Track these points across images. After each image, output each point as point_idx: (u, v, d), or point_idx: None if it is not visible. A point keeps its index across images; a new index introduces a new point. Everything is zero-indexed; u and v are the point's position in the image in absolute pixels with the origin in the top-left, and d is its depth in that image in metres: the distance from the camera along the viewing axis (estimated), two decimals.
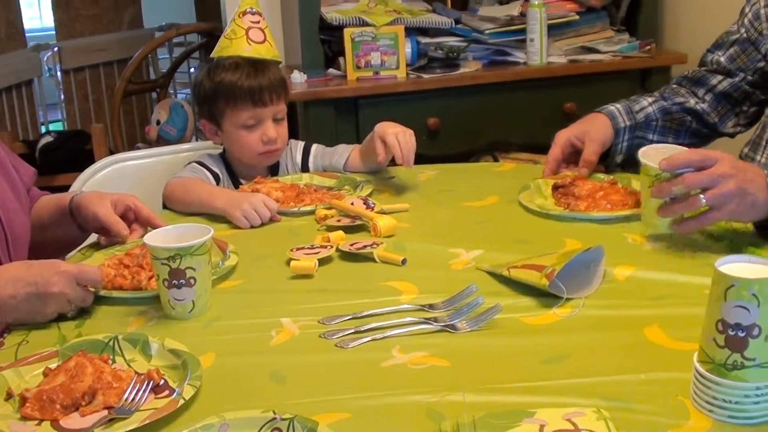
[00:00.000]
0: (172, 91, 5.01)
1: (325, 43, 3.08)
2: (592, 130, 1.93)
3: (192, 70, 5.38)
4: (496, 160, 3.09)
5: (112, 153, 3.78)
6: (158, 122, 3.67)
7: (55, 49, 4.85)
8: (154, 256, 1.34)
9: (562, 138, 1.95)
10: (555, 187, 1.84)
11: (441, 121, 3.02)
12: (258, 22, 2.08)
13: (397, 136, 1.96)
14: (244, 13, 2.10)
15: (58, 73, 6.32)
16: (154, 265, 1.36)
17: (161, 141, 3.66)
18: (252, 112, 2.03)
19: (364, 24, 3.02)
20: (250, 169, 2.11)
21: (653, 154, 1.54)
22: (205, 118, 2.10)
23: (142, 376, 1.16)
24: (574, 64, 3.14)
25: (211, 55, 2.12)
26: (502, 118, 3.10)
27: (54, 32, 5.12)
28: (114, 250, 1.65)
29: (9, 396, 1.18)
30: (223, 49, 2.08)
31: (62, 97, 5.12)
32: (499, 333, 1.27)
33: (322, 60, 3.04)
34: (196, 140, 3.90)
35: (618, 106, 1.98)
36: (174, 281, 1.34)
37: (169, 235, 1.38)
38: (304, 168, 2.16)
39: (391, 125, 1.99)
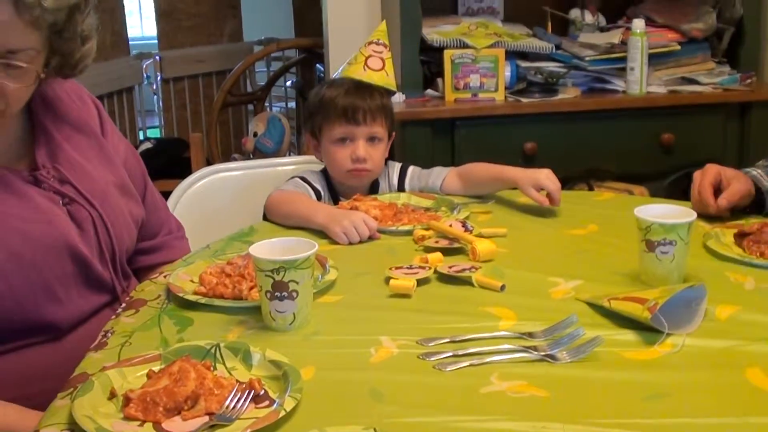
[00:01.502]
0: (267, 105, 5.08)
1: (425, 64, 3.10)
2: (740, 176, 1.88)
3: (288, 83, 5.45)
4: (591, 187, 3.07)
5: (208, 162, 3.86)
6: (255, 134, 3.72)
7: (157, 58, 4.96)
8: (258, 267, 1.36)
9: (713, 171, 1.88)
10: (741, 235, 1.77)
11: (538, 146, 3.01)
12: (381, 52, 2.18)
13: (549, 178, 1.97)
14: (371, 42, 2.22)
15: (158, 82, 6.48)
16: (257, 276, 1.37)
17: (257, 153, 3.71)
18: (345, 129, 2.10)
19: (465, 46, 3.03)
20: (347, 187, 2.13)
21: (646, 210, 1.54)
22: (309, 133, 2.17)
23: (244, 385, 1.18)
24: (673, 95, 3.11)
25: (332, 76, 2.19)
26: (599, 146, 3.08)
27: (156, 41, 5.23)
28: (216, 259, 1.68)
29: (112, 395, 1.20)
30: (343, 71, 2.20)
31: (161, 104, 5.24)
32: (599, 366, 1.25)
33: (422, 81, 3.06)
34: (289, 154, 3.95)
35: (758, 170, 1.93)
36: (276, 293, 1.35)
37: (273, 248, 1.40)
38: (401, 189, 2.18)
39: (533, 171, 1.99)
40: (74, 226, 1.63)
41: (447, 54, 2.97)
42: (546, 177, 1.97)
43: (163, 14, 4.96)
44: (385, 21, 2.31)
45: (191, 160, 3.64)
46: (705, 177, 1.87)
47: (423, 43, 3.04)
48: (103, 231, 1.67)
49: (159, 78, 5.18)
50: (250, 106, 5.08)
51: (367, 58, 2.20)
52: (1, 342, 1.53)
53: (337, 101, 2.11)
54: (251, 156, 3.83)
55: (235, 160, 4.08)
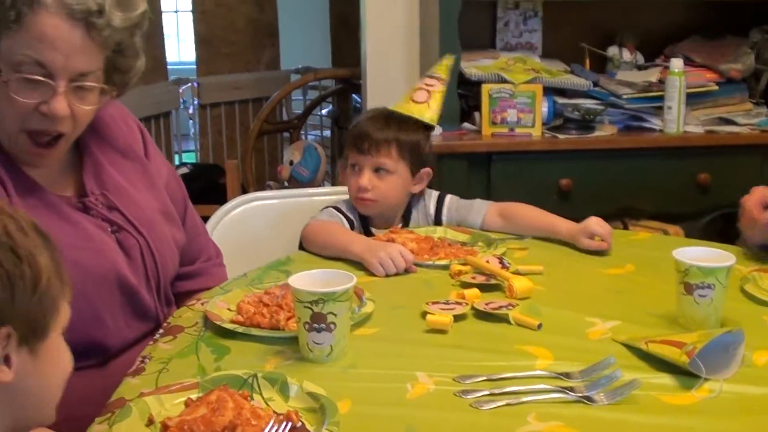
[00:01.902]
0: (302, 133, 5.11)
1: (462, 97, 3.11)
2: None
3: (323, 112, 5.48)
4: (625, 226, 3.05)
5: (243, 188, 3.88)
6: (291, 162, 3.75)
7: (195, 84, 5.01)
8: (297, 298, 1.37)
9: (760, 190, 1.88)
10: None
11: (573, 183, 3.00)
12: (432, 85, 2.17)
13: (600, 224, 1.97)
14: (428, 75, 2.21)
15: (192, 107, 6.52)
16: (296, 307, 1.38)
17: (293, 181, 3.73)
18: (354, 157, 2.12)
19: (503, 81, 3.04)
20: (379, 217, 2.13)
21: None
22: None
23: (281, 417, 1.18)
24: (710, 135, 3.10)
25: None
26: (634, 185, 3.07)
27: (193, 67, 5.28)
28: (253, 288, 1.69)
29: (150, 422, 1.21)
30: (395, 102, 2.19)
31: (196, 130, 5.27)
32: (636, 409, 1.25)
33: (459, 114, 3.07)
34: (324, 184, 3.97)
35: None
36: (315, 325, 1.36)
37: (312, 279, 1.40)
38: (437, 218, 2.17)
39: (582, 223, 1.99)
40: (122, 254, 1.64)
41: (485, 88, 2.98)
42: (596, 224, 1.97)
43: (202, 41, 5.01)
44: (449, 56, 2.29)
45: (227, 186, 3.66)
46: (752, 195, 1.88)
47: (461, 76, 3.05)
48: (149, 259, 1.68)
49: (195, 103, 5.22)
50: (286, 134, 5.11)
51: (416, 90, 2.18)
52: None
53: (354, 129, 2.14)
54: (286, 184, 3.85)
55: (270, 187, 4.10)
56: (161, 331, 1.59)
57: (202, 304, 1.66)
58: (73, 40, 1.48)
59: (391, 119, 2.12)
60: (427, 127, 2.16)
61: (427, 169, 2.15)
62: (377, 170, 2.10)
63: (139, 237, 1.67)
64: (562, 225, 2.04)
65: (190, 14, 5.55)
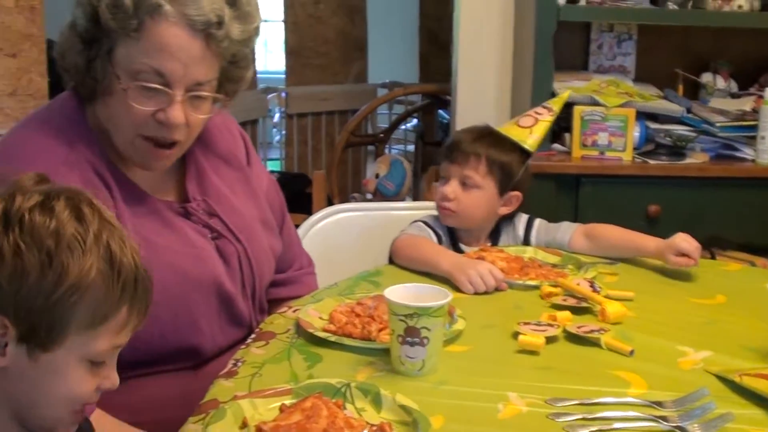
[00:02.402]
0: (386, 147, 5.13)
1: None
2: None
3: (404, 127, 5.49)
4: (712, 256, 3.00)
5: (328, 199, 3.91)
6: (377, 176, 3.76)
7: (283, 94, 5.07)
8: (392, 311, 1.37)
9: None
10: None
11: (661, 209, 2.97)
12: (540, 114, 2.17)
13: (687, 241, 1.97)
14: (543, 105, 2.22)
15: (276, 116, 6.60)
16: (390, 319, 1.39)
17: (378, 194, 3.75)
18: (444, 166, 2.12)
19: (595, 103, 3.02)
20: (467, 233, 2.13)
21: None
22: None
23: (375, 427, 1.19)
24: None
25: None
26: (724, 214, 3.02)
27: (281, 76, 5.35)
28: (345, 298, 1.70)
29: (244, 425, 1.23)
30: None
31: (281, 139, 5.34)
32: None
33: (549, 135, 3.05)
34: (408, 198, 3.98)
35: None
36: (408, 338, 1.36)
37: (407, 293, 1.41)
38: (526, 241, 2.16)
39: (669, 239, 1.98)
40: (221, 261, 1.66)
41: (577, 110, 2.96)
42: (683, 240, 1.96)
43: (292, 51, 5.07)
44: (569, 91, 2.32)
45: (313, 196, 3.69)
46: None
47: (552, 96, 3.03)
48: (247, 267, 1.70)
49: (281, 112, 5.28)
50: (370, 147, 5.14)
51: (524, 116, 2.18)
52: (142, 366, 1.57)
53: (449, 140, 2.15)
54: (371, 197, 3.87)
55: (355, 199, 4.12)
56: (253, 336, 1.60)
57: (294, 311, 1.68)
58: (192, 51, 1.50)
59: (488, 135, 2.12)
60: (524, 153, 2.13)
61: (517, 193, 2.13)
62: (464, 182, 2.09)
63: (238, 244, 1.69)
64: (649, 242, 2.02)
65: (280, 24, 5.62)
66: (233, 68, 1.63)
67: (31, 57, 3.70)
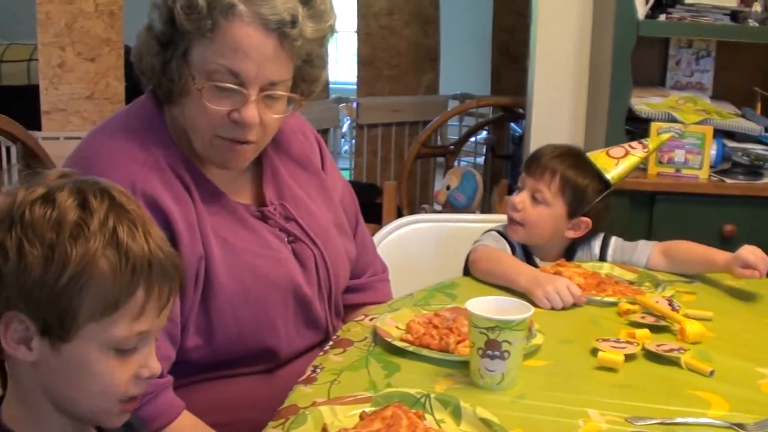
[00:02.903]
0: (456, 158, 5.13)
1: (629, 133, 3.06)
2: None
3: (474, 138, 5.48)
4: None
5: (398, 210, 3.92)
6: (448, 187, 3.77)
7: (354, 104, 5.10)
8: (473, 323, 1.37)
9: None
10: None
11: (737, 229, 2.92)
12: (634, 148, 2.15)
13: (753, 252, 1.94)
14: (638, 141, 2.20)
15: (345, 125, 6.64)
16: (471, 332, 1.39)
17: (448, 206, 3.75)
18: (523, 176, 2.12)
19: (672, 120, 2.99)
20: (537, 248, 2.13)
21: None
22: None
23: None
24: None
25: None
26: None
27: (353, 87, 5.38)
28: (422, 308, 1.70)
29: (324, 431, 1.23)
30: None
31: (349, 148, 5.37)
32: None
33: None
34: (479, 211, 3.97)
35: None
36: (488, 351, 1.36)
37: (488, 306, 1.41)
38: (601, 259, 2.14)
39: (742, 249, 1.96)
40: (298, 265, 1.67)
41: (654, 126, 2.93)
42: (749, 252, 1.93)
43: (364, 62, 5.10)
44: (670, 134, 2.36)
45: (383, 206, 3.71)
46: None
47: (630, 112, 3.01)
48: (323, 270, 1.71)
49: (350, 123, 5.31)
50: (439, 159, 5.14)
51: (615, 148, 2.16)
52: (220, 368, 1.59)
53: (532, 152, 2.13)
54: (440, 208, 3.88)
55: (425, 210, 4.13)
56: (330, 342, 1.62)
57: (371, 320, 1.69)
58: (266, 50, 1.51)
59: (571, 156, 2.10)
60: (603, 182, 2.11)
61: (587, 220, 2.10)
62: (534, 195, 2.08)
63: (314, 248, 1.71)
64: (718, 256, 2.00)
65: (352, 35, 5.65)
66: (308, 67, 1.63)
67: (110, 61, 3.78)
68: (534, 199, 2.08)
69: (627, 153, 2.13)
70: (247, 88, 1.52)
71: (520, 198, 2.08)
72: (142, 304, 1.09)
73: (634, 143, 2.17)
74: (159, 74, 1.57)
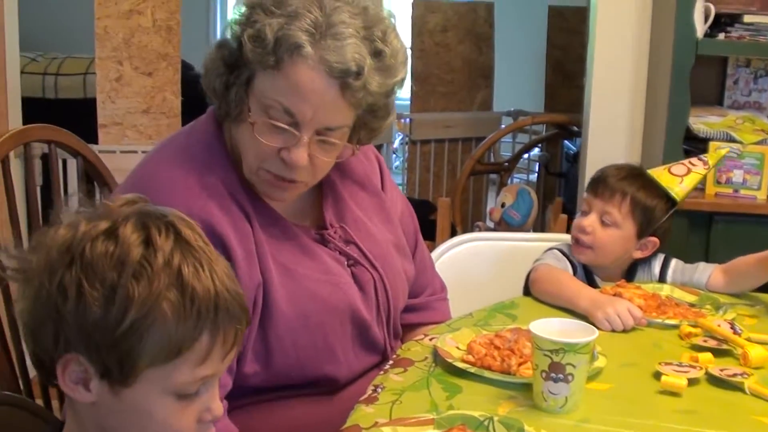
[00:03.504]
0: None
1: (687, 153, 3.04)
2: None
3: (525, 157, 5.47)
4: None
5: (452, 227, 3.92)
6: (503, 205, 3.76)
7: (407, 120, 5.11)
8: (537, 345, 1.37)
9: None
10: None
11: None
12: (695, 165, 2.14)
13: None
14: (700, 158, 2.18)
15: (397, 141, 6.65)
16: (535, 354, 1.39)
17: (502, 224, 3.74)
18: (588, 198, 2.12)
19: (731, 140, 2.96)
20: (602, 269, 2.12)
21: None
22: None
23: None
24: None
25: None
26: None
27: (407, 103, 5.39)
28: (482, 329, 1.70)
29: None
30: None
31: (400, 164, 5.37)
32: None
33: None
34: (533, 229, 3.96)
35: None
36: (552, 374, 1.36)
37: (551, 327, 1.40)
38: (661, 280, 2.13)
39: None
40: (357, 289, 1.67)
41: (712, 146, 2.90)
42: None
43: (418, 78, 5.11)
44: (727, 149, 2.38)
45: (437, 223, 3.71)
46: None
47: (687, 131, 3.00)
48: (382, 294, 1.71)
49: (402, 138, 5.31)
50: (492, 176, 5.13)
51: (677, 165, 2.16)
52: (279, 390, 1.59)
53: (596, 173, 2.12)
54: (495, 226, 3.87)
55: (479, 228, 4.13)
56: (390, 362, 1.62)
57: (430, 339, 1.69)
58: (326, 96, 1.48)
59: (638, 177, 2.10)
60: (669, 201, 2.11)
61: (655, 239, 2.10)
62: (603, 218, 2.08)
63: (374, 272, 1.70)
64: (759, 256, 1.97)
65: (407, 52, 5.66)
66: (370, 117, 1.60)
67: (166, 76, 3.83)
68: (603, 222, 2.08)
69: (689, 170, 2.12)
70: (300, 130, 1.50)
71: (589, 221, 2.08)
72: (206, 348, 1.05)
73: (694, 159, 2.16)
74: (220, 96, 1.57)
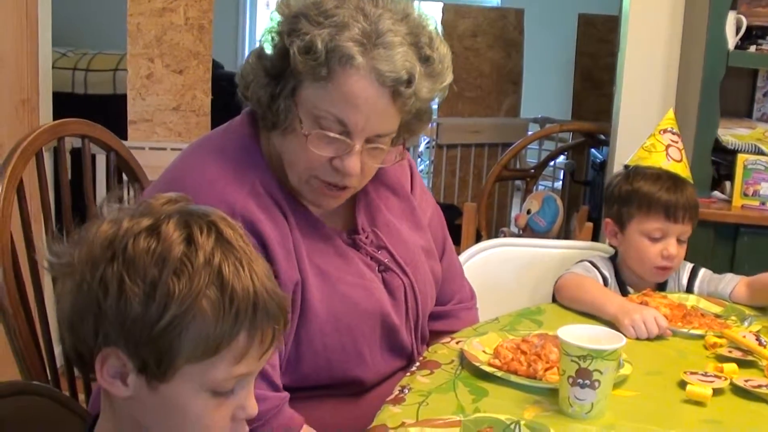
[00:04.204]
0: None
1: (714, 164, 3.04)
2: None
3: (551, 164, 5.47)
4: None
5: (478, 232, 3.93)
6: (528, 211, 3.77)
7: (434, 124, 5.12)
8: (565, 351, 1.39)
9: None
10: None
11: None
12: (677, 142, 2.14)
13: None
14: (665, 130, 2.18)
15: (422, 145, 6.64)
16: (562, 360, 1.40)
17: (528, 230, 3.75)
18: (662, 225, 2.08)
19: (759, 152, 2.96)
20: (637, 279, 2.13)
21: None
22: (612, 218, 2.17)
23: None
24: None
25: (626, 163, 2.19)
26: None
27: (435, 107, 5.40)
28: (509, 334, 1.72)
29: None
30: (641, 159, 2.17)
31: (426, 168, 5.37)
32: None
33: (710, 181, 3.01)
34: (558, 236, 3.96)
35: None
36: (579, 380, 1.37)
37: (579, 333, 1.42)
38: (689, 290, 2.14)
39: None
40: (387, 294, 1.68)
41: (740, 158, 2.90)
42: None
43: None
44: (672, 109, 2.30)
45: (462, 228, 3.72)
46: None
47: (716, 143, 2.99)
48: (412, 299, 1.72)
49: (428, 142, 5.31)
50: (517, 182, 5.14)
51: (667, 147, 2.16)
52: (306, 390, 1.60)
53: (660, 196, 2.08)
54: (519, 231, 3.88)
55: (504, 234, 4.13)
56: (417, 364, 1.64)
57: (457, 342, 1.71)
58: (378, 105, 1.49)
59: (679, 182, 2.11)
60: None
61: None
62: (680, 237, 2.10)
63: (404, 277, 1.71)
64: None
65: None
66: (415, 121, 1.62)
67: (197, 74, 3.85)
68: (680, 241, 2.11)
69: (679, 149, 2.17)
70: (353, 139, 1.51)
71: (675, 248, 2.10)
72: (244, 347, 1.06)
73: (668, 135, 2.19)
74: (265, 107, 1.56)
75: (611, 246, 2.22)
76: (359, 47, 1.47)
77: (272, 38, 1.56)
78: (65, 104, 3.85)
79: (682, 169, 2.13)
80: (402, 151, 1.65)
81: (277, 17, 1.56)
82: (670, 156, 2.13)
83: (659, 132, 2.18)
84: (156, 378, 1.05)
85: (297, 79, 1.52)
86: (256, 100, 1.58)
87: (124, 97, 3.80)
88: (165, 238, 1.04)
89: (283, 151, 1.59)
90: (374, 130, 1.52)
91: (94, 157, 3.35)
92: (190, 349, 1.03)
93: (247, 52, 7.76)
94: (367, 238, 1.70)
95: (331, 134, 1.51)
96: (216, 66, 4.03)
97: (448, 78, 1.60)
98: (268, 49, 1.57)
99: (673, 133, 2.17)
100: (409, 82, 1.48)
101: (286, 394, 1.51)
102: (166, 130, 3.89)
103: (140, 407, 1.08)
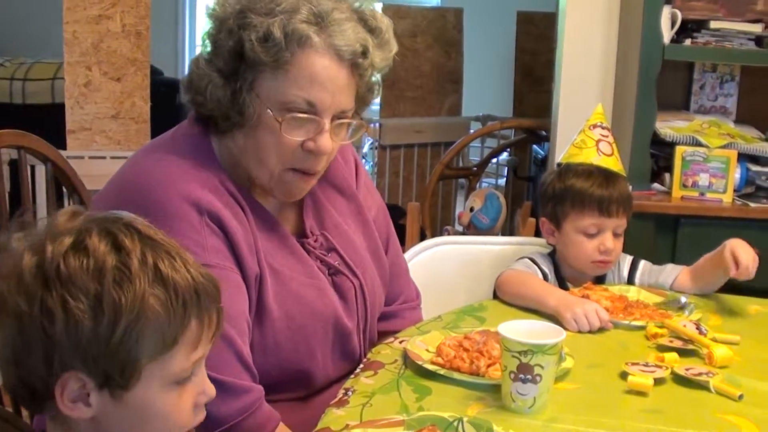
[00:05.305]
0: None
1: (653, 157, 3.08)
2: None
3: (494, 161, 5.50)
4: None
5: (422, 231, 3.93)
6: (471, 209, 3.78)
7: (376, 125, 5.12)
8: (506, 347, 1.39)
9: None
10: None
11: (762, 254, 2.92)
12: (607, 136, 2.16)
13: (741, 247, 1.98)
14: (595, 126, 2.19)
15: (366, 146, 6.64)
16: (503, 356, 1.40)
17: (471, 228, 3.76)
18: (597, 220, 2.08)
19: (697, 144, 2.99)
20: (577, 273, 2.13)
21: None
22: (546, 217, 2.17)
23: None
24: None
25: (559, 160, 2.20)
26: None
27: (378, 108, 5.40)
28: (451, 331, 1.72)
29: None
30: (572, 156, 2.17)
31: (371, 169, 5.37)
32: None
33: (649, 174, 3.04)
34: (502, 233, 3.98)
35: None
36: (521, 375, 1.38)
37: (519, 329, 1.42)
38: (629, 282, 2.16)
39: (742, 243, 1.99)
40: (338, 297, 1.68)
41: (678, 150, 2.94)
42: (739, 245, 1.99)
43: (387, 83, 5.12)
44: (601, 104, 2.31)
45: (407, 227, 3.72)
46: None
47: (654, 136, 3.02)
48: (362, 302, 1.72)
49: (372, 143, 5.30)
50: (460, 180, 5.15)
51: (597, 142, 2.16)
52: None
53: (592, 192, 2.08)
54: (464, 230, 3.89)
55: (448, 232, 4.14)
56: (361, 365, 1.63)
57: (400, 342, 1.71)
58: (340, 80, 1.54)
59: (611, 177, 2.11)
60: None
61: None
62: (616, 230, 2.11)
63: (355, 279, 1.71)
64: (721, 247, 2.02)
65: None
66: (368, 94, 1.68)
67: (136, 81, 3.82)
68: (615, 234, 2.11)
69: (609, 143, 2.17)
70: (323, 117, 1.54)
71: (611, 242, 2.10)
72: (197, 333, 1.09)
73: (598, 130, 2.19)
74: (228, 106, 1.56)
75: (549, 244, 2.22)
76: (314, 26, 1.52)
77: (217, 40, 1.56)
78: (3, 115, 3.79)
79: (614, 163, 2.14)
80: (365, 124, 1.68)
81: (217, 19, 1.57)
82: (600, 151, 2.14)
83: (589, 128, 2.19)
84: (120, 387, 1.05)
85: (254, 72, 1.54)
86: (215, 102, 1.57)
87: (63, 106, 3.75)
88: (94, 251, 1.04)
89: (249, 150, 1.59)
90: (339, 105, 1.56)
91: (33, 168, 3.32)
92: (150, 350, 1.05)
93: (187, 58, 7.77)
94: (316, 241, 1.71)
95: (302, 115, 1.53)
96: (155, 72, 3.99)
97: (395, 47, 1.65)
98: (216, 52, 1.57)
99: (603, 128, 2.18)
100: (364, 53, 1.55)
101: (260, 391, 1.52)
102: (105, 138, 3.84)
103: (105, 425, 1.08)
